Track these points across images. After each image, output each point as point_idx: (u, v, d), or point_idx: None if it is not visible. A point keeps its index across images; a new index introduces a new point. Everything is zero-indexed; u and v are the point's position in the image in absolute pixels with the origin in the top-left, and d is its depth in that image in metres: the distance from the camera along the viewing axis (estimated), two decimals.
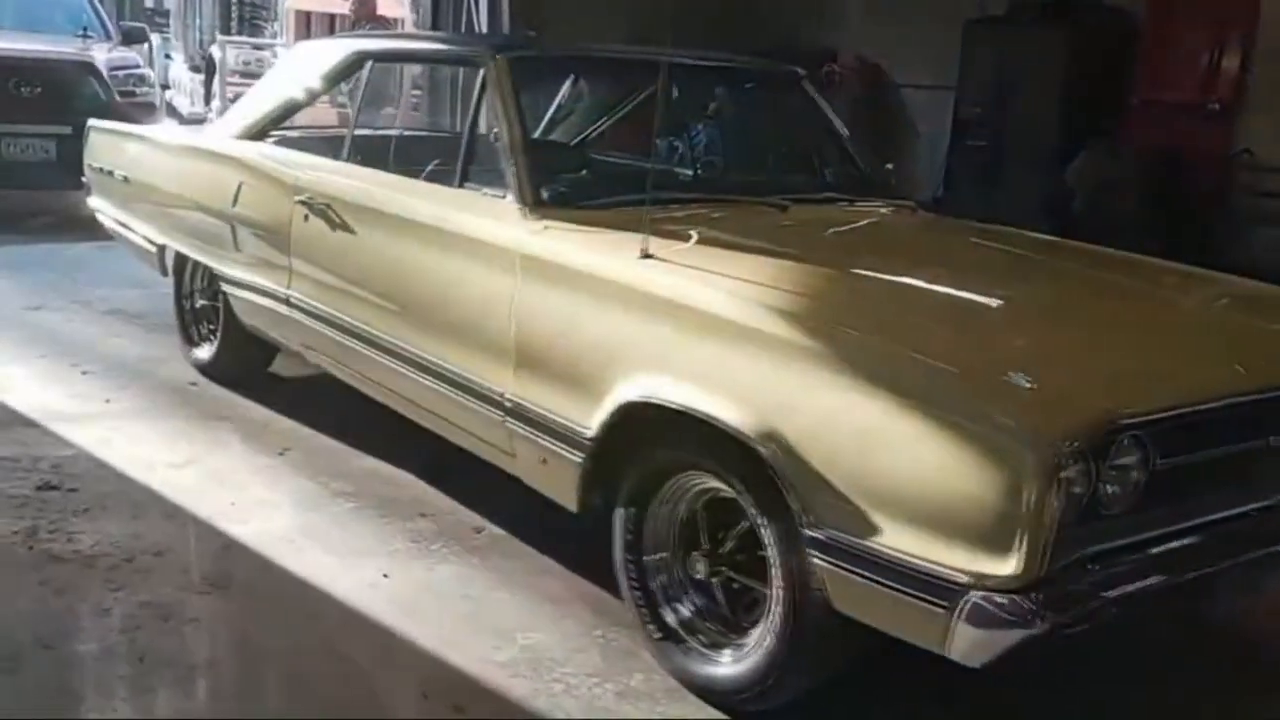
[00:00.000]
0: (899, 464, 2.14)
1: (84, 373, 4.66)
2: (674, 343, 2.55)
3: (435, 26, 8.77)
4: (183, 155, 4.63)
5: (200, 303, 4.76)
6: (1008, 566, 2.00)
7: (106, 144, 5.31)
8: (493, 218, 3.14)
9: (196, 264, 4.71)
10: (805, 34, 9.54)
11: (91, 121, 5.52)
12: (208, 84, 13.10)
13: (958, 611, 2.04)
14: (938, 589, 2.08)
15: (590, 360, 2.75)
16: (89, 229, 7.39)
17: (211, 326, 4.75)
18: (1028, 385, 2.07)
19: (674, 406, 2.50)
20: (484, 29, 8.49)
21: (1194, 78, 7.56)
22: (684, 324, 2.54)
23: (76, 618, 2.82)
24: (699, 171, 3.72)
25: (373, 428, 3.99)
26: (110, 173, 5.15)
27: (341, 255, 3.68)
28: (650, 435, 2.66)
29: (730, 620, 2.62)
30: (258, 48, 12.49)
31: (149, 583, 2.97)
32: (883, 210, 3.59)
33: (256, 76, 12.09)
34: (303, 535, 3.30)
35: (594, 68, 3.66)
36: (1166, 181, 7.44)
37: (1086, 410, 2.05)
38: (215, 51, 12.26)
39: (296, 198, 3.83)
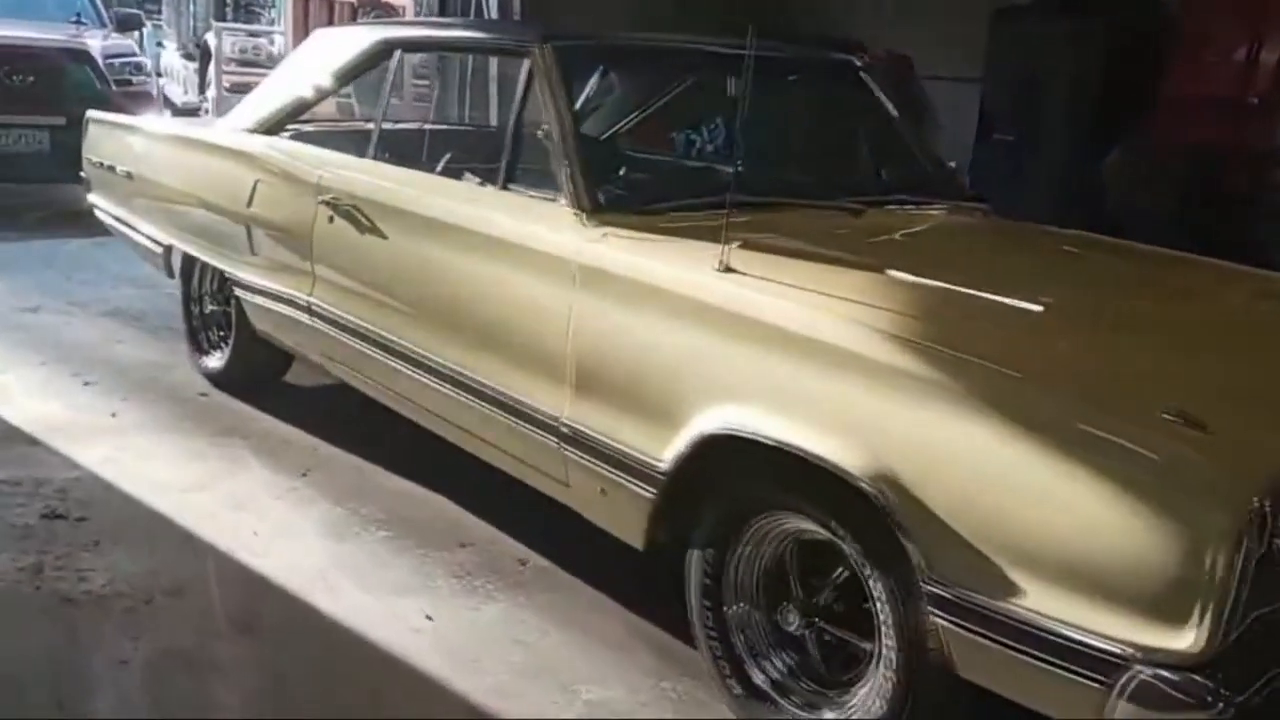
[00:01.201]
0: (1045, 517, 1.87)
1: (86, 383, 4.37)
2: (763, 369, 2.28)
3: (443, 13, 8.46)
4: (191, 150, 4.34)
5: (210, 308, 4.47)
6: (1184, 640, 1.73)
7: (107, 137, 5.01)
8: (544, 223, 2.86)
9: (206, 266, 4.42)
10: (819, 22, 9.25)
11: (90, 113, 5.22)
12: (202, 72, 12.74)
13: (1119, 689, 1.78)
14: (1093, 661, 1.81)
15: (663, 385, 2.48)
16: (83, 225, 7.08)
17: (222, 333, 4.47)
18: (1199, 429, 1.80)
19: (764, 440, 2.23)
20: (493, 15, 8.18)
21: (1232, 71, 7.31)
22: (776, 348, 2.26)
23: (92, 671, 2.54)
24: (761, 172, 3.43)
25: (397, 444, 3.72)
26: (111, 168, 4.85)
27: (371, 261, 3.39)
28: (734, 470, 2.39)
29: (825, 678, 2.35)
30: (254, 35, 12.13)
31: (169, 628, 2.70)
32: (960, 214, 3.31)
33: (254, 65, 11.82)
34: (335, 569, 3.02)
35: (647, 58, 3.38)
36: (1204, 179, 7.19)
37: (1273, 458, 1.78)
38: (211, 39, 11.91)
39: (320, 198, 3.54)
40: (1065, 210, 7.01)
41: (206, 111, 11.69)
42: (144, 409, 4.13)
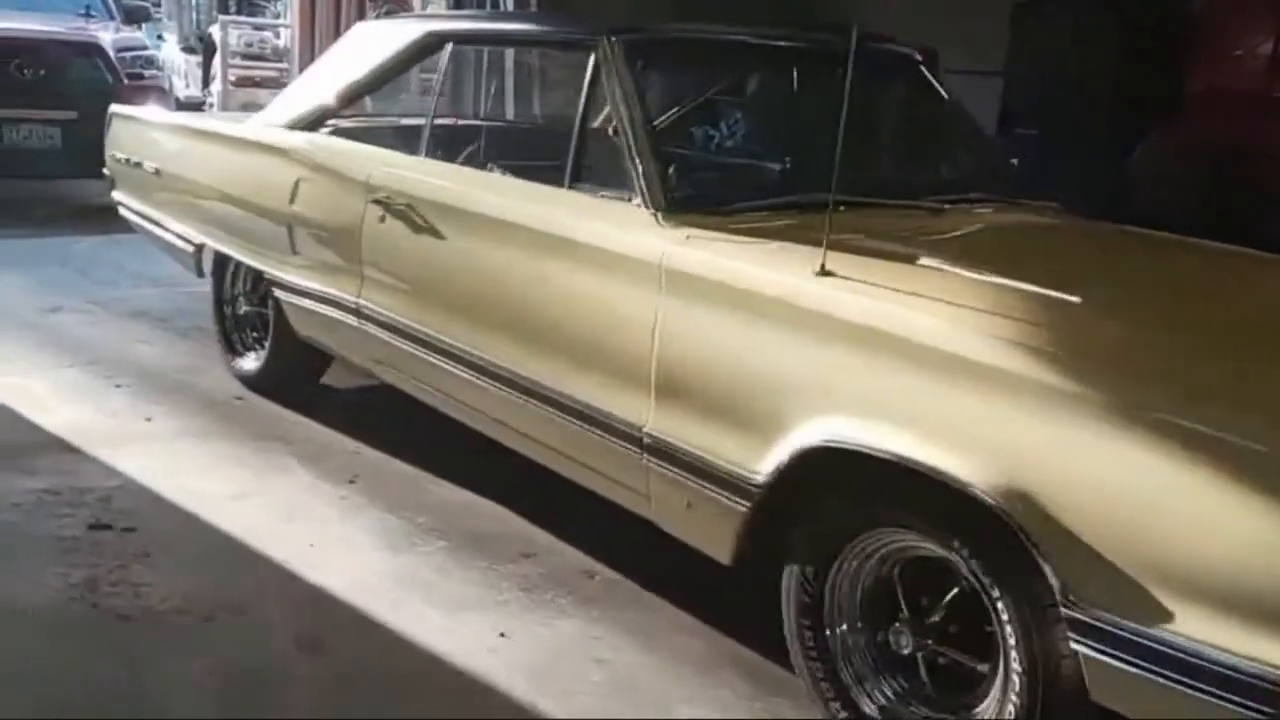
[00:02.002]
0: (1196, 535, 1.76)
1: (117, 385, 4.24)
2: (873, 379, 2.17)
3: (458, 6, 8.32)
4: (226, 146, 4.21)
5: (244, 309, 4.34)
6: None
7: (132, 133, 4.88)
8: (619, 224, 2.74)
9: (240, 266, 4.30)
10: (833, 11, 9.12)
11: (114, 108, 5.10)
12: (206, 66, 12.56)
13: None
14: (1255, 691, 1.71)
15: (759, 394, 2.36)
16: (97, 221, 6.97)
17: (256, 335, 4.34)
18: None
19: (876, 454, 2.12)
20: (509, 7, 8.05)
21: (1260, 65, 7.21)
22: (887, 357, 2.15)
23: (160, 694, 2.41)
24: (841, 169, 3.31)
25: (443, 448, 3.62)
26: (138, 164, 4.72)
27: (426, 262, 3.27)
28: (838, 484, 2.28)
29: (937, 702, 2.24)
30: (259, 28, 11.96)
31: (235, 647, 2.58)
32: (1036, 213, 3.21)
33: (260, 58, 11.66)
34: (398, 584, 2.90)
35: (714, 51, 3.25)
36: (1234, 175, 7.10)
37: None
38: (215, 32, 11.73)
39: (371, 197, 3.42)
40: (1090, 207, 6.93)
41: (211, 106, 11.53)
42: (179, 413, 4.01)
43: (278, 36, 11.63)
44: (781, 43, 3.26)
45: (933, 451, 2.05)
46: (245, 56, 11.48)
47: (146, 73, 7.70)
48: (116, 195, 5.03)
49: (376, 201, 3.40)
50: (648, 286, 2.58)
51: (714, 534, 2.52)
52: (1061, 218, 3.27)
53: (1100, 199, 7.31)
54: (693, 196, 2.78)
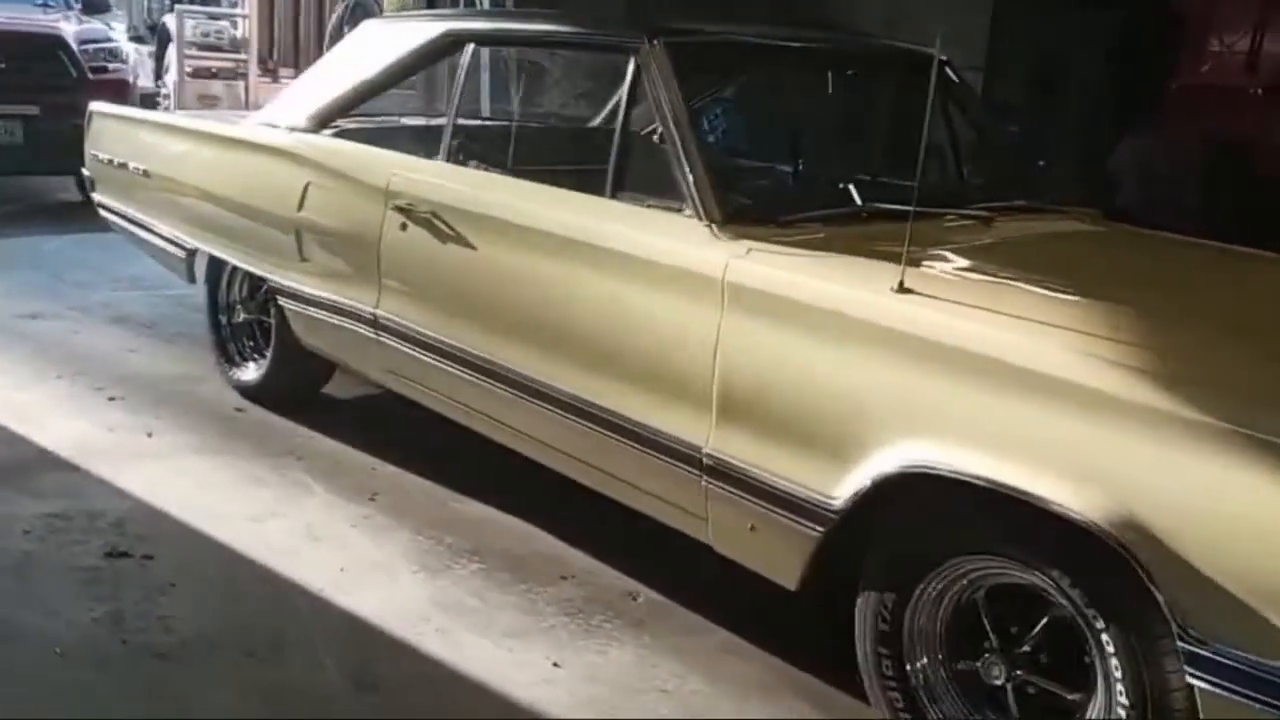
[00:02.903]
0: None
1: (111, 398, 4.06)
2: (964, 402, 2.10)
3: (431, 4, 8.14)
4: (223, 147, 4.04)
5: (242, 316, 4.18)
6: None
7: (116, 132, 4.69)
8: (673, 236, 2.64)
9: (235, 272, 4.15)
10: (808, 5, 9.05)
11: (95, 106, 4.90)
12: (158, 56, 12.23)
13: None
14: None
15: (835, 416, 2.29)
16: (65, 219, 6.75)
17: (253, 343, 4.19)
18: None
19: (969, 480, 2.06)
20: (486, 4, 7.89)
21: (1241, 60, 7.26)
22: (978, 379, 2.08)
23: None
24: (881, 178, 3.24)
25: (460, 460, 3.53)
26: (124, 165, 4.53)
27: (455, 273, 3.15)
28: (922, 509, 2.21)
29: None
30: (215, 18, 11.64)
31: (282, 685, 2.45)
32: (1085, 222, 3.15)
33: (216, 49, 11.36)
34: (439, 610, 2.79)
35: (760, 54, 3.16)
36: (1216, 171, 7.14)
37: None
38: (170, 21, 11.39)
39: (392, 203, 3.29)
40: (1076, 204, 6.94)
41: (167, 98, 11.22)
42: (180, 427, 3.85)
43: (235, 27, 11.33)
44: (823, 45, 3.18)
45: (1031, 477, 1.98)
46: (201, 47, 11.16)
47: (111, 65, 7.44)
48: (98, 197, 4.83)
49: (398, 209, 3.27)
50: (708, 302, 2.50)
51: (780, 559, 2.45)
52: (1114, 226, 3.23)
53: (1081, 193, 7.36)
54: (747, 206, 2.69)
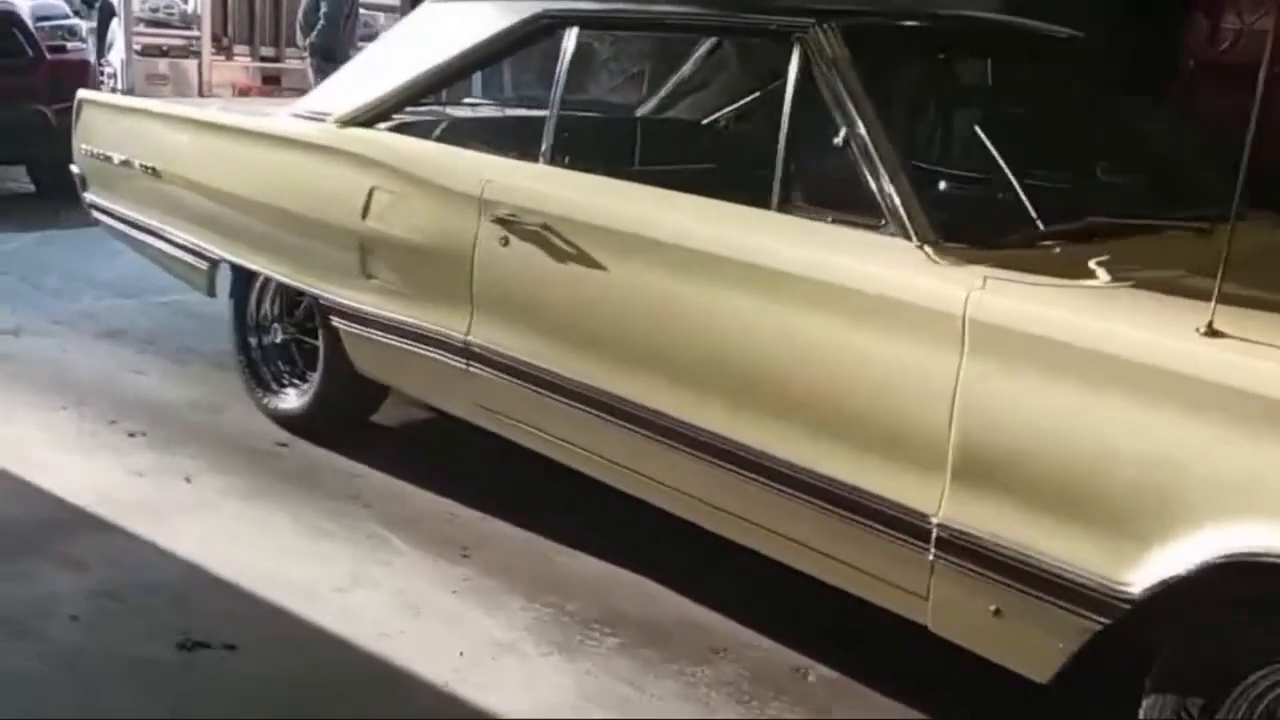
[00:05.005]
0: None
1: (131, 434, 3.53)
2: None
3: None
4: (260, 145, 3.51)
5: (279, 336, 3.67)
6: None
7: (113, 123, 4.14)
8: (876, 260, 2.22)
9: (269, 286, 3.64)
10: None
11: (83, 93, 4.34)
12: (100, 33, 11.41)
13: None
14: None
15: (1127, 486, 1.88)
16: (24, 215, 6.07)
17: (290, 367, 3.69)
18: None
19: None
20: None
21: (1255, 38, 7.02)
22: None
23: None
24: (1089, 184, 2.83)
25: (542, 497, 3.17)
26: (125, 162, 3.98)
27: (576, 297, 2.69)
28: (1252, 601, 1.82)
29: None
30: None
31: None
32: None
33: (166, 25, 10.62)
34: (589, 703, 2.35)
35: (945, 39, 2.72)
36: (1227, 147, 6.89)
37: None
38: None
39: (490, 214, 2.82)
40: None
41: (113, 77, 10.46)
42: (220, 469, 3.33)
43: (185, 2, 10.59)
44: (1004, 29, 2.76)
45: None
46: (150, 23, 10.43)
47: (70, 44, 6.82)
48: (90, 196, 4.26)
49: (497, 220, 2.80)
50: (941, 342, 2.08)
51: (1034, 648, 2.05)
52: None
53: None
54: (963, 225, 2.27)
